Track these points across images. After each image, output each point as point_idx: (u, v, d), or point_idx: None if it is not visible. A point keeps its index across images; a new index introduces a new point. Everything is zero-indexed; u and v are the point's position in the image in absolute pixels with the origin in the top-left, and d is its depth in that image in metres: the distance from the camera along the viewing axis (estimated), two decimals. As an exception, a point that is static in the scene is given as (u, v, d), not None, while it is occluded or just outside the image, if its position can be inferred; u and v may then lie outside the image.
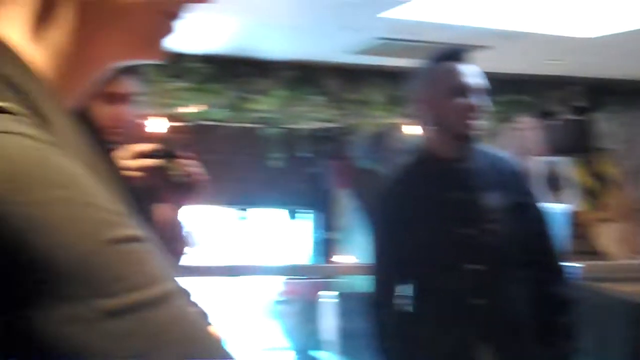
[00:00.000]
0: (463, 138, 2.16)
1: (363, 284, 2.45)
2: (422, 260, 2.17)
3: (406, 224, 2.19)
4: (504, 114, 6.27)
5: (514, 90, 5.97)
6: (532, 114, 6.50)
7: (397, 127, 9.68)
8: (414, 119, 2.46)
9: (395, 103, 5.84)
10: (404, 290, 2.21)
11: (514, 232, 2.17)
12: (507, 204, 2.17)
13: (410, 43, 4.23)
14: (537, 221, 2.26)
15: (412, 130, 8.80)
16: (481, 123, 2.17)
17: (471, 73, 2.20)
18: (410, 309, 2.19)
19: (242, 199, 9.78)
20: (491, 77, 6.17)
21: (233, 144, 8.16)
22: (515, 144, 8.23)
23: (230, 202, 9.68)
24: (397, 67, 5.42)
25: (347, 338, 6.23)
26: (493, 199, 2.16)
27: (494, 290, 2.14)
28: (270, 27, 4.06)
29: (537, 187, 6.34)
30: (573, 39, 3.93)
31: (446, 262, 2.14)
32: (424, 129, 2.29)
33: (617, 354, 3.05)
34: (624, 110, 6.43)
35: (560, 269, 2.29)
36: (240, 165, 8.92)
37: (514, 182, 2.24)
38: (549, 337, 2.18)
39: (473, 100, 2.16)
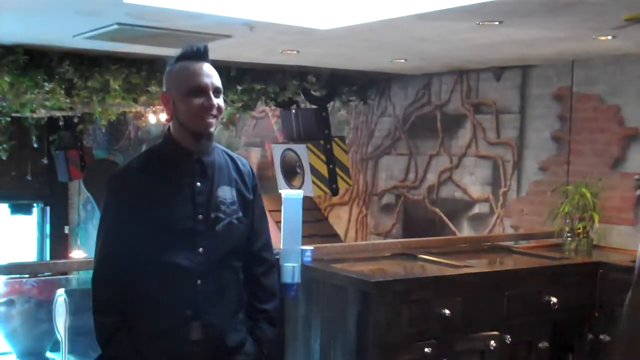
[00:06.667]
0: (198, 135, 2.36)
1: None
2: (149, 244, 2.31)
3: (135, 212, 2.32)
4: (245, 102, 6.38)
5: (253, 79, 6.08)
6: (271, 103, 6.69)
7: (137, 116, 9.42)
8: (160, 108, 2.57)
9: (134, 91, 5.68)
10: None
11: (238, 224, 2.43)
12: (237, 198, 2.44)
13: (151, 30, 4.13)
14: (258, 217, 2.55)
15: (155, 119, 8.63)
16: (214, 121, 2.37)
17: (207, 73, 2.37)
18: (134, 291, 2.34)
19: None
20: (232, 65, 6.28)
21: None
22: (255, 131, 8.43)
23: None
24: (137, 54, 5.27)
25: (80, 336, 5.96)
26: (224, 192, 2.41)
27: (212, 273, 2.36)
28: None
29: (277, 174, 6.58)
30: (309, 30, 4.09)
31: (170, 245, 2.33)
32: (169, 121, 2.47)
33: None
34: (356, 99, 6.87)
35: (271, 261, 2.60)
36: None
37: (244, 180, 2.50)
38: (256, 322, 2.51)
39: (208, 100, 2.33)
